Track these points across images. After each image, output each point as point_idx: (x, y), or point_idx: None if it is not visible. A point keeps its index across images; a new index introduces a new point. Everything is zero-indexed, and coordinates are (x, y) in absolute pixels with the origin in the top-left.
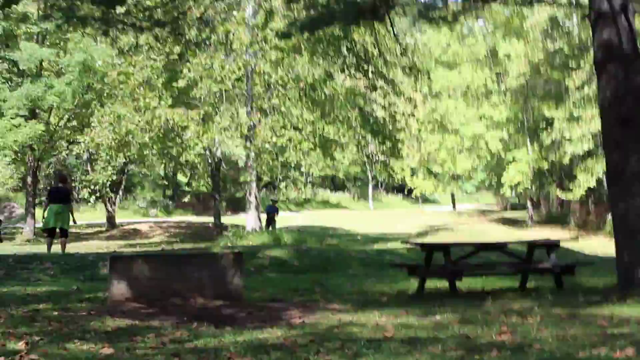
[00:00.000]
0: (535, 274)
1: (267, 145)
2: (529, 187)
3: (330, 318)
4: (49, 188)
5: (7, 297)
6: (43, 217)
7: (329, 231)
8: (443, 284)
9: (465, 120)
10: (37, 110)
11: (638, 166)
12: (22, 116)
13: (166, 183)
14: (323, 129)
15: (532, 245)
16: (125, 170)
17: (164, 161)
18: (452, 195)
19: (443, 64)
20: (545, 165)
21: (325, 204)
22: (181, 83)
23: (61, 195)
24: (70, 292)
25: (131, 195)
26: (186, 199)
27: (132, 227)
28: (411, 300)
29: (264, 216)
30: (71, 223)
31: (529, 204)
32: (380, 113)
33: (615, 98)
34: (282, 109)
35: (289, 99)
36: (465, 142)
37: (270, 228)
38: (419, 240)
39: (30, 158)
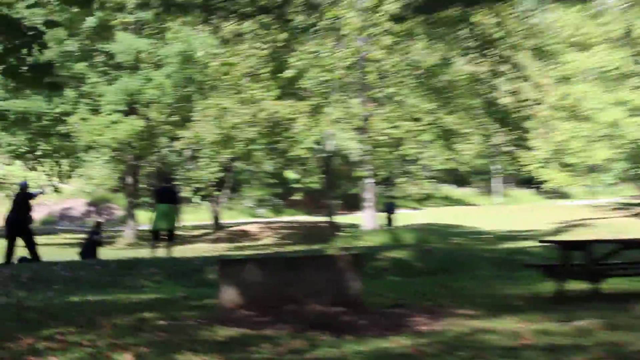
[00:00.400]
0: None
1: (382, 138)
2: None
3: (460, 324)
4: (154, 188)
5: (111, 306)
6: (151, 220)
7: (453, 229)
8: (584, 285)
9: (601, 106)
10: (135, 105)
11: None
12: (120, 111)
13: (274, 180)
14: (443, 119)
15: None
16: (231, 168)
17: (271, 157)
18: (590, 189)
19: (573, 46)
20: None
21: (448, 199)
22: (288, 73)
23: (169, 195)
24: (177, 299)
25: (237, 195)
26: (296, 197)
27: (239, 228)
28: (549, 304)
29: (382, 214)
30: (178, 225)
31: None
32: (505, 100)
33: None
34: (398, 98)
35: (404, 87)
36: (602, 130)
37: (391, 226)
38: (555, 238)
39: (129, 156)
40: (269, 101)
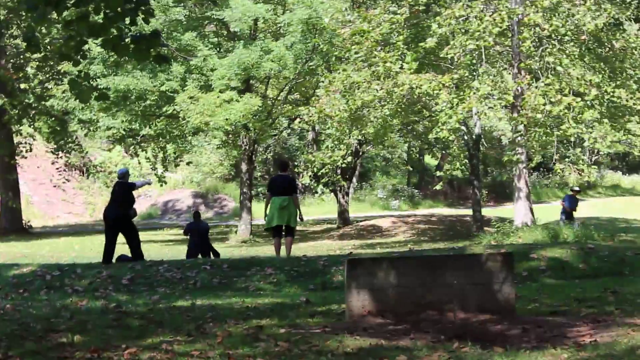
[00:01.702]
0: None
1: (539, 116)
2: None
3: (630, 336)
4: (269, 177)
5: (223, 311)
6: (265, 214)
7: (621, 223)
8: None
9: None
10: (251, 82)
11: None
12: (233, 89)
13: (411, 168)
14: (612, 93)
15: None
16: (360, 152)
17: (408, 140)
18: None
19: None
20: None
21: (616, 188)
22: (429, 42)
23: (285, 185)
24: (298, 304)
25: (368, 184)
26: (437, 187)
27: (369, 222)
28: None
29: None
30: (298, 219)
31: None
32: None
33: None
34: (558, 68)
35: (566, 55)
36: None
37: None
38: None
39: (244, 140)
40: (405, 74)
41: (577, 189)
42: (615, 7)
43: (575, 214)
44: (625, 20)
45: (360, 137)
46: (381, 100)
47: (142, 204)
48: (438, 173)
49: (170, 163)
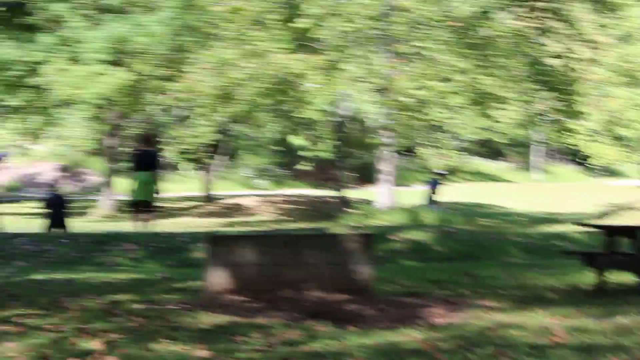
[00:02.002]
0: None
1: (406, 100)
2: None
3: (482, 318)
4: (134, 152)
5: (80, 285)
6: (132, 189)
7: (482, 209)
8: (629, 277)
9: None
10: (121, 56)
11: None
12: (103, 62)
13: (278, 148)
14: (478, 79)
15: None
16: (228, 131)
17: (276, 120)
18: None
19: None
20: None
21: (479, 174)
22: (302, 22)
23: (148, 161)
24: (157, 280)
25: (234, 163)
26: (303, 167)
27: (234, 201)
28: (587, 298)
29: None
30: (156, 195)
31: None
32: (553, 61)
33: None
34: (426, 53)
35: (435, 41)
36: None
37: (431, 205)
38: (599, 222)
39: (111, 114)
40: (277, 54)
41: (442, 172)
42: None
43: (439, 199)
44: (496, 9)
45: (227, 115)
46: (250, 79)
47: (3, 176)
48: (304, 153)
49: (34, 135)
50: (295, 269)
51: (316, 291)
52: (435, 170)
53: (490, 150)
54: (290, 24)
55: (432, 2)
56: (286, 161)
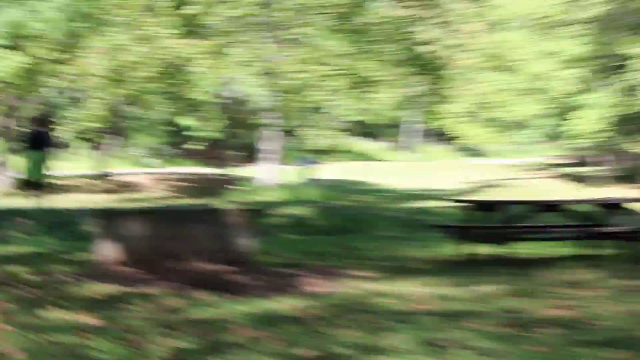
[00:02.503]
0: (604, 240)
1: (290, 82)
2: (604, 138)
3: (355, 287)
4: (27, 132)
5: None
6: (27, 167)
7: (358, 186)
8: (491, 249)
9: (529, 57)
10: (17, 40)
11: None
12: (2, 46)
13: (169, 128)
14: (357, 64)
15: (602, 205)
16: (120, 111)
17: (165, 101)
18: (508, 146)
19: None
20: (625, 113)
21: (355, 154)
22: (189, 9)
23: (41, 140)
24: (48, 252)
25: (127, 142)
26: (192, 146)
27: (127, 179)
28: (452, 268)
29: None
30: (50, 172)
31: (605, 157)
32: (427, 48)
33: None
34: (310, 39)
35: (317, 28)
36: (528, 83)
37: (302, 182)
38: (465, 198)
39: (8, 97)
40: (167, 39)
41: (317, 150)
42: None
43: (315, 175)
44: None
45: (119, 97)
46: (141, 63)
47: None
48: (193, 133)
49: None
50: (180, 242)
51: (200, 262)
52: (310, 149)
53: (367, 130)
54: (179, 11)
55: None
56: (176, 141)
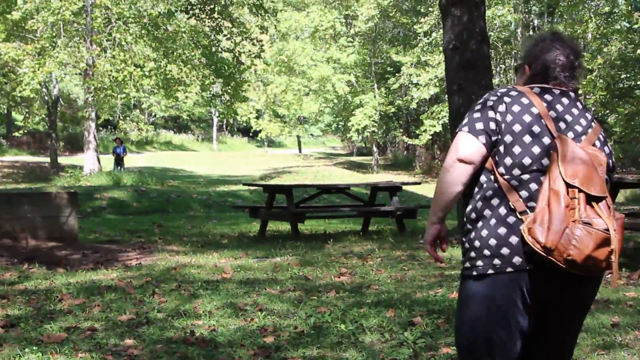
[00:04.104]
0: (377, 217)
1: (106, 80)
2: (376, 132)
3: (167, 259)
4: None
5: None
6: None
7: (170, 172)
8: (285, 226)
9: (313, 62)
10: None
11: None
12: None
13: None
14: (166, 67)
15: (375, 188)
16: None
17: None
18: (298, 139)
19: (291, 5)
20: (392, 110)
21: (169, 145)
22: (16, 15)
23: None
24: None
25: None
26: (19, 134)
27: None
28: (252, 243)
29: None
30: None
31: (375, 148)
32: (225, 54)
33: (459, 42)
34: (123, 43)
35: (130, 34)
36: (312, 85)
37: (119, 169)
38: (262, 182)
39: None
40: None
41: (136, 141)
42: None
43: (125, 163)
44: (178, 10)
45: None
46: None
47: None
48: (20, 125)
49: None
50: (12, 221)
51: (31, 240)
52: (115, 137)
53: (178, 124)
54: (6, 16)
55: (128, 2)
56: (7, 132)
